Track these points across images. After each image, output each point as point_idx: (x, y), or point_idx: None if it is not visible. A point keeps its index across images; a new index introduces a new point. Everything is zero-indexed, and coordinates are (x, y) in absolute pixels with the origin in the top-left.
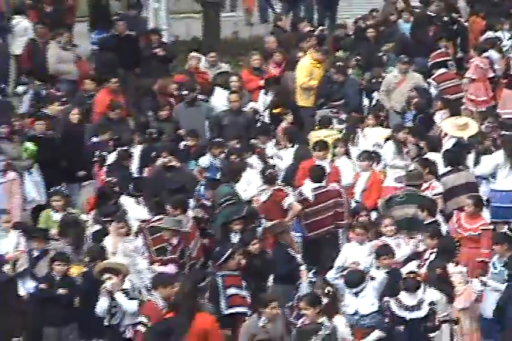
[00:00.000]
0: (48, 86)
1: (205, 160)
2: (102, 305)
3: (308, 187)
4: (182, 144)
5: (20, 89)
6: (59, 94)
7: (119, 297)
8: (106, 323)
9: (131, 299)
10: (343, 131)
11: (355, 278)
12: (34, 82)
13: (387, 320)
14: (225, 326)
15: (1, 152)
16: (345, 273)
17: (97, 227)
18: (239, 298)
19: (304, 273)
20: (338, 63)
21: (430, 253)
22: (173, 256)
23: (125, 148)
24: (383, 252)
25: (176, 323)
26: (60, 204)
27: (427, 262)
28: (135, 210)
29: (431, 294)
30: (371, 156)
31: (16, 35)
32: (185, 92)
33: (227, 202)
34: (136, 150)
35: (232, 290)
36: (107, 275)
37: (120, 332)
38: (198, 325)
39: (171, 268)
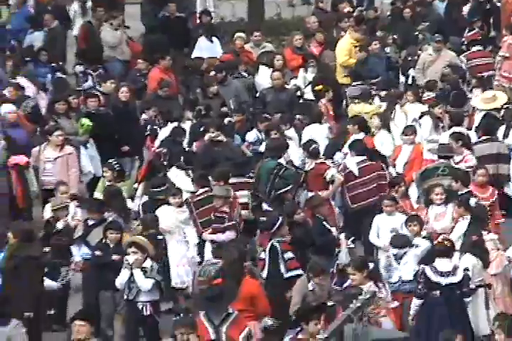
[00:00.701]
0: (101, 66)
1: (251, 135)
2: (122, 277)
3: (352, 161)
4: (227, 120)
5: (79, 68)
6: (111, 73)
7: (137, 273)
8: (124, 297)
9: (147, 278)
10: (382, 106)
11: (401, 241)
12: (90, 61)
13: (420, 287)
14: (284, 289)
15: (59, 128)
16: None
17: (147, 198)
18: (295, 262)
19: (343, 241)
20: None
21: (458, 222)
22: (230, 224)
23: (176, 124)
24: (411, 220)
25: (225, 288)
26: (110, 176)
27: (455, 230)
28: (184, 183)
29: (466, 260)
30: (415, 130)
31: (75, 17)
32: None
33: (275, 174)
34: (186, 126)
35: (289, 255)
36: (132, 250)
37: (137, 307)
38: (245, 289)
39: (230, 235)
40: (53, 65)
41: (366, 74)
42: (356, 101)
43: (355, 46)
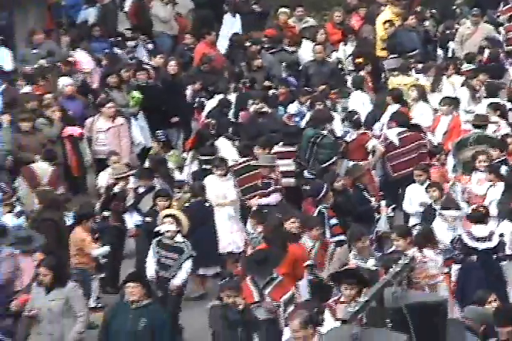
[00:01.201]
0: (151, 41)
1: (293, 107)
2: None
3: (392, 132)
4: (271, 92)
5: (130, 43)
6: (160, 48)
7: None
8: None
9: None
10: (420, 79)
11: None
12: (140, 36)
13: (457, 252)
14: None
15: (111, 100)
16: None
17: (195, 166)
18: (339, 227)
19: (383, 208)
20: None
21: (489, 189)
22: (275, 187)
23: (223, 95)
24: (431, 186)
25: (271, 253)
26: (157, 147)
27: (487, 196)
28: (231, 152)
29: (504, 226)
30: (453, 101)
31: None
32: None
33: (317, 140)
34: (232, 98)
35: (333, 221)
36: (168, 219)
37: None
38: (291, 254)
39: (276, 197)
40: (111, 39)
41: (401, 47)
42: (395, 73)
43: (395, 20)
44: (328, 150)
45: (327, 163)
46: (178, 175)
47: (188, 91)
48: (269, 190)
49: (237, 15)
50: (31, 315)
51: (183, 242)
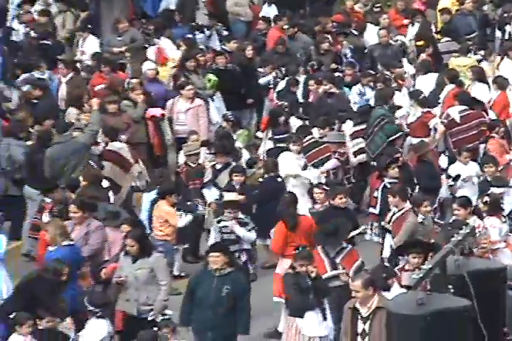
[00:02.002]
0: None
1: (357, 88)
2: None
3: (454, 110)
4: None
5: (206, 31)
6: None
7: (237, 228)
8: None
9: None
10: (483, 63)
11: (501, 182)
12: (216, 23)
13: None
14: None
15: (189, 83)
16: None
17: (270, 144)
18: None
19: (443, 180)
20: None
21: None
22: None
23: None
24: (487, 162)
25: (340, 225)
26: (227, 126)
27: None
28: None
29: None
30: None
31: None
32: None
33: (381, 123)
34: (301, 79)
35: None
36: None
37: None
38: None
39: (334, 163)
40: (194, 23)
41: (457, 32)
42: (456, 55)
43: (455, 5)
44: (387, 134)
45: (383, 146)
46: (245, 154)
47: (262, 74)
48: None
49: (273, 5)
50: (120, 282)
51: (246, 217)
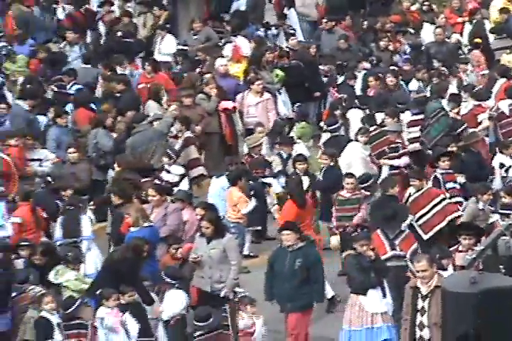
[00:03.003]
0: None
1: (414, 83)
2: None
3: (504, 103)
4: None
5: (273, 30)
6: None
7: None
8: None
9: None
10: None
11: None
12: (284, 23)
13: None
14: None
15: (259, 78)
16: None
17: (327, 135)
18: (456, 190)
19: (497, 171)
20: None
21: None
22: (404, 151)
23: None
24: None
25: (399, 209)
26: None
27: None
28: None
29: None
30: None
31: None
32: None
33: (438, 115)
34: (360, 74)
35: (449, 184)
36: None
37: None
38: None
39: (405, 160)
40: (260, 25)
41: (509, 31)
42: (508, 51)
43: (507, 5)
44: (441, 127)
45: (439, 136)
46: (301, 145)
47: (322, 69)
48: (398, 153)
49: (292, 9)
50: (195, 260)
51: None
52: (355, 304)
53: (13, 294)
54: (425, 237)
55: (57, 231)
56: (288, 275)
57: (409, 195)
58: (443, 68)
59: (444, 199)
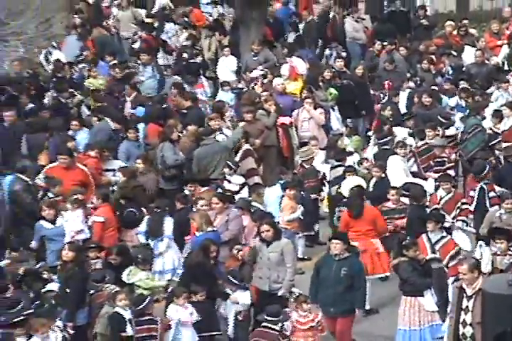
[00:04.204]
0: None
1: (454, 100)
2: None
3: None
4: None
5: (327, 51)
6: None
7: None
8: None
9: None
10: None
11: None
12: (336, 45)
13: None
14: None
15: (312, 96)
16: None
17: (376, 149)
18: (497, 199)
19: None
20: None
21: None
22: (450, 165)
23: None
24: None
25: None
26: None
27: None
28: (407, 138)
29: None
30: None
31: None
32: None
33: (475, 131)
34: (404, 94)
35: (491, 194)
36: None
37: None
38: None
39: (451, 173)
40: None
41: None
42: None
43: None
44: (475, 143)
45: (475, 150)
46: (356, 156)
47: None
48: (444, 167)
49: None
50: (254, 262)
51: None
52: (413, 305)
53: (91, 291)
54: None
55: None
56: (333, 281)
57: (441, 198)
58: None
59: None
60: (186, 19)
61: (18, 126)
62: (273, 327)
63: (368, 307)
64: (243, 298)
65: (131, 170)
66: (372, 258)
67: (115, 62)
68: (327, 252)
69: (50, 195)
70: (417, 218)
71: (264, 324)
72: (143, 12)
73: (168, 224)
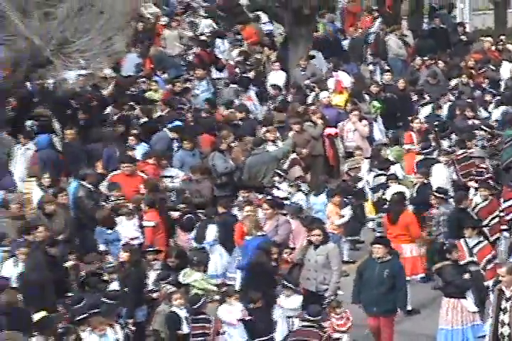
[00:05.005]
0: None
1: (498, 113)
2: None
3: None
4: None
5: (371, 67)
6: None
7: None
8: None
9: None
10: None
11: None
12: (380, 60)
13: None
14: None
15: (357, 108)
16: None
17: (420, 157)
18: None
19: None
20: None
21: None
22: (488, 176)
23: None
24: None
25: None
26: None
27: None
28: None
29: None
30: None
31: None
32: None
33: (507, 142)
34: (446, 105)
35: None
36: None
37: None
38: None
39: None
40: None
41: None
42: None
43: None
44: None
45: (510, 159)
46: (395, 167)
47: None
48: (481, 177)
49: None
50: (301, 263)
51: None
52: (456, 306)
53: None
54: (491, 239)
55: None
56: (376, 283)
57: (476, 205)
58: None
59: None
60: (238, 36)
61: (77, 142)
62: (313, 325)
63: (409, 307)
64: (295, 302)
65: (152, 183)
66: None
67: (166, 76)
68: (369, 255)
69: (111, 199)
70: (456, 220)
71: (304, 323)
72: (189, 33)
73: (211, 230)
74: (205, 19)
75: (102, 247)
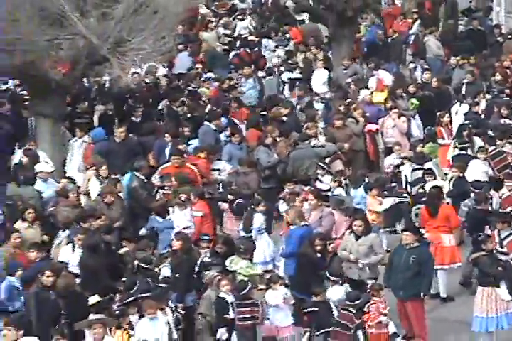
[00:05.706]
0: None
1: None
2: None
3: None
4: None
5: (411, 65)
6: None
7: None
8: None
9: None
10: None
11: None
12: (419, 60)
13: None
14: None
15: (396, 106)
16: None
17: (456, 151)
18: None
19: None
20: None
21: None
22: None
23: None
24: None
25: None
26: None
27: None
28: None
29: None
30: None
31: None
32: None
33: None
34: (483, 104)
35: None
36: None
37: None
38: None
39: None
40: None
41: None
42: None
43: None
44: None
45: None
46: (430, 162)
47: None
48: None
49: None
50: (343, 255)
51: None
52: (490, 294)
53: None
54: None
55: (241, 225)
56: (403, 268)
57: (502, 195)
58: None
59: None
60: (285, 36)
61: (130, 140)
62: (350, 309)
63: (444, 295)
64: (339, 292)
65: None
66: (436, 250)
67: (212, 75)
68: (400, 242)
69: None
70: (475, 221)
71: (343, 307)
72: (227, 32)
73: (258, 219)
74: (240, 21)
75: (143, 231)
